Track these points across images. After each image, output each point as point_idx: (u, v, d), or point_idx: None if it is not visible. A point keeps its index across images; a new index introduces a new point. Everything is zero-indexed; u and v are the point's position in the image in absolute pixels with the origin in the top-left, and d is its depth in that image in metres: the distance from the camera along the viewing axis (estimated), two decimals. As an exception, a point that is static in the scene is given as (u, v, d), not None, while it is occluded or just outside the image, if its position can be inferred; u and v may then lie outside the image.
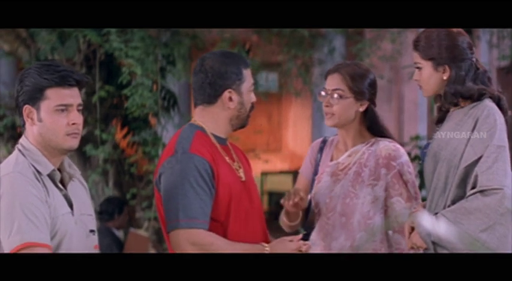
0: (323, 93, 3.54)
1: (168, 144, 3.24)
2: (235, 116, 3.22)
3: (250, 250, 3.07)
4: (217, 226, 3.12)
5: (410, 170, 3.47)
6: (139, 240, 7.24)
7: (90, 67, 7.81)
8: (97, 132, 7.67)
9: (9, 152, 7.70)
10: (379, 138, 3.53)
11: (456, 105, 3.30)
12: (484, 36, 8.71)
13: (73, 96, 2.86)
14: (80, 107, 2.89)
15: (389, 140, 3.54)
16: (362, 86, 3.49)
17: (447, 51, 3.28)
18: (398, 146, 3.53)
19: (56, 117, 2.84)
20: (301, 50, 8.49)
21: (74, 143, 2.87)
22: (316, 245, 3.49)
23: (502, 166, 3.15)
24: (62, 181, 2.91)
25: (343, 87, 3.48)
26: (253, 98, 3.26)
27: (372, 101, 3.53)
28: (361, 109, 3.51)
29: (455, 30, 3.32)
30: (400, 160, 3.48)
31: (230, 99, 3.18)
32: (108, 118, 8.06)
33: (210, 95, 3.20)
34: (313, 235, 3.53)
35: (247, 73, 3.23)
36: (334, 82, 3.51)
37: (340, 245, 3.45)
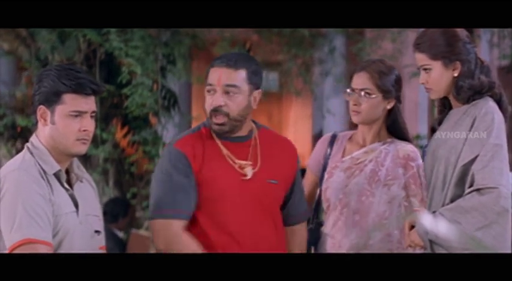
0: (349, 91, 3.50)
1: None
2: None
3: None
4: (201, 219, 3.16)
5: (424, 174, 3.46)
6: (141, 240, 7.22)
7: (90, 66, 7.81)
8: (97, 131, 7.66)
9: (9, 152, 7.72)
10: (396, 140, 3.52)
11: (468, 101, 3.26)
12: (485, 35, 8.71)
13: (88, 103, 2.88)
14: (94, 114, 2.92)
15: (406, 142, 3.53)
16: (389, 84, 3.46)
17: (455, 47, 3.24)
18: (415, 148, 3.53)
19: (69, 122, 2.86)
20: (301, 50, 8.49)
21: (83, 148, 2.90)
22: (328, 238, 3.48)
23: (499, 165, 3.13)
24: (69, 182, 2.93)
25: (371, 87, 3.45)
26: (213, 102, 3.15)
27: (398, 98, 3.52)
28: (389, 107, 3.49)
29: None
30: (418, 162, 3.47)
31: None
32: (108, 117, 8.06)
33: None
34: (326, 229, 3.51)
35: (213, 73, 3.16)
36: (361, 81, 3.47)
37: (351, 242, 3.44)
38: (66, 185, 2.89)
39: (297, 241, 3.41)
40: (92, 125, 2.91)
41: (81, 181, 2.98)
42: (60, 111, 2.86)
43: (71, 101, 2.85)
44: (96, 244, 2.97)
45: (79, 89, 2.85)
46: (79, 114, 2.86)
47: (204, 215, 3.16)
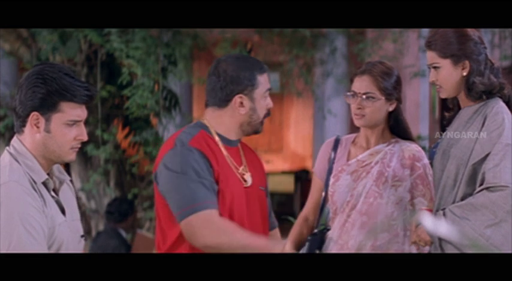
0: (350, 93, 3.49)
1: (169, 138, 3.20)
2: (247, 122, 3.18)
3: (265, 246, 3.01)
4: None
5: (431, 172, 3.46)
6: (147, 242, 7.21)
7: (91, 67, 7.81)
8: (98, 132, 7.67)
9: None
10: (399, 140, 3.53)
11: (480, 98, 3.29)
12: (486, 36, 8.71)
13: (84, 111, 2.84)
14: (84, 120, 2.87)
15: (410, 141, 3.53)
16: (391, 87, 3.47)
17: (466, 46, 3.28)
18: (420, 147, 3.53)
19: (66, 131, 2.80)
20: (302, 50, 8.49)
21: (74, 156, 2.86)
22: (333, 242, 3.47)
23: (509, 164, 3.16)
24: (53, 188, 2.87)
25: (374, 90, 3.45)
26: (269, 104, 3.23)
27: (399, 99, 3.52)
28: (391, 109, 3.50)
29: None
30: (424, 161, 3.48)
31: (241, 104, 3.15)
32: (109, 118, 8.06)
33: (221, 99, 3.15)
34: (331, 233, 3.51)
35: (262, 79, 3.18)
36: (364, 85, 3.47)
37: (359, 244, 3.44)
38: (53, 193, 2.84)
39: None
40: (85, 133, 2.87)
41: (63, 184, 2.92)
42: (58, 120, 2.79)
43: (69, 110, 2.79)
44: (81, 249, 2.94)
45: (77, 98, 2.79)
46: (75, 123, 2.81)
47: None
